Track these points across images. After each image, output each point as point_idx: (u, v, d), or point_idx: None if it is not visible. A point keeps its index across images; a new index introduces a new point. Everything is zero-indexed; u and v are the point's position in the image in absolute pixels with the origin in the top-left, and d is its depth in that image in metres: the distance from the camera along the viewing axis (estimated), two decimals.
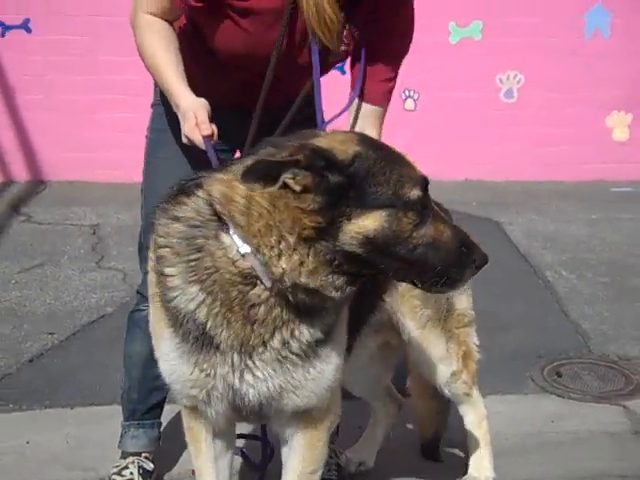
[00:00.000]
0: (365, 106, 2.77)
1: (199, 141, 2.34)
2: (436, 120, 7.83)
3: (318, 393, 2.15)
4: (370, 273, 1.99)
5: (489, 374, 3.36)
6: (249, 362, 2.05)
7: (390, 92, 2.84)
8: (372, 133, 2.63)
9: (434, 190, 2.77)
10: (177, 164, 2.66)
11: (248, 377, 2.07)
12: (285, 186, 1.85)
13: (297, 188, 1.85)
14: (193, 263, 1.99)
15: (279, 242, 1.89)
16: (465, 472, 3.07)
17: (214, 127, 2.34)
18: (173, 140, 2.64)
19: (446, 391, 2.93)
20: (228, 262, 1.96)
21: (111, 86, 7.44)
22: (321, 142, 1.94)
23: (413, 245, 1.94)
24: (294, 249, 1.88)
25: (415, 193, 1.96)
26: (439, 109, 7.82)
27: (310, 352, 2.07)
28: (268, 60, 2.48)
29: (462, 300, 2.85)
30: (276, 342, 2.03)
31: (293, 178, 1.84)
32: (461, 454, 3.27)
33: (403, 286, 2.58)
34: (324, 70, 2.58)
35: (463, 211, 5.83)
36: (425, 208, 1.99)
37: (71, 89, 7.47)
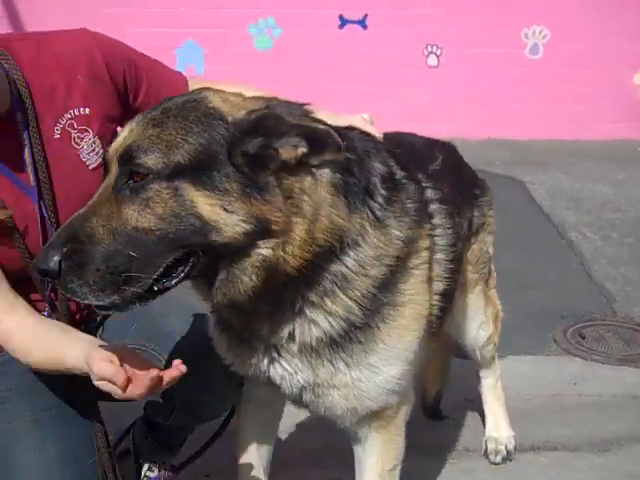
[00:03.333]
0: None
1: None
2: (459, 77, 7.68)
3: (373, 397, 1.96)
4: None
5: (511, 334, 3.31)
6: (274, 354, 1.95)
7: None
8: None
9: (458, 148, 2.69)
10: (24, 421, 2.25)
11: (278, 368, 1.96)
12: None
13: None
14: None
15: None
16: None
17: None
18: (10, 400, 2.27)
19: (478, 355, 2.88)
20: None
21: None
22: None
23: None
24: None
25: None
26: (462, 65, 7.66)
27: (339, 350, 1.90)
28: None
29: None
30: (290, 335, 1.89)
31: None
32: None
33: None
34: None
35: (486, 170, 5.71)
36: None
37: None
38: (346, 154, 1.78)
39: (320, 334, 1.86)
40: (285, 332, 1.87)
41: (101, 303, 1.66)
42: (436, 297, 2.09)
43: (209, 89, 1.81)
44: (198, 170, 1.62)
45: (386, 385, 1.95)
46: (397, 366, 1.95)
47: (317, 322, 1.85)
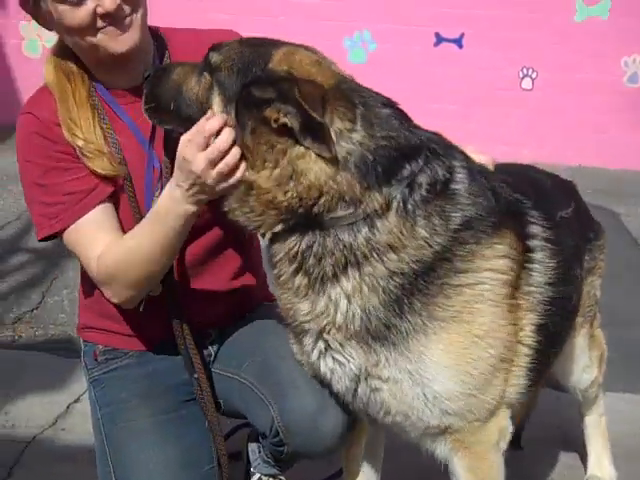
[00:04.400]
0: None
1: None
2: (553, 101, 7.55)
3: (418, 407, 1.94)
4: None
5: (610, 371, 3.18)
6: (322, 345, 1.98)
7: None
8: None
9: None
10: (145, 420, 2.32)
11: (328, 360, 1.99)
12: None
13: None
14: None
15: None
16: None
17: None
18: (130, 400, 2.35)
19: (580, 396, 2.81)
20: None
21: None
22: None
23: None
24: None
25: None
26: (557, 90, 7.53)
27: (378, 341, 1.91)
28: None
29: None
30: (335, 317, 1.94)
31: None
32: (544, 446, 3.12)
33: None
34: None
35: None
36: None
37: None
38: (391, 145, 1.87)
39: (344, 321, 1.90)
40: (318, 312, 1.92)
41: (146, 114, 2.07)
42: (529, 330, 2.04)
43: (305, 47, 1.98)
44: (226, 87, 1.90)
45: (430, 399, 1.93)
46: (443, 383, 1.91)
47: (338, 305, 1.90)
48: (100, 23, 2.10)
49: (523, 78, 7.58)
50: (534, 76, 7.56)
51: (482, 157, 2.23)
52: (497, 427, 2.06)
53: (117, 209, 2.25)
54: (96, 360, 2.44)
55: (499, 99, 7.57)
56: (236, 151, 1.85)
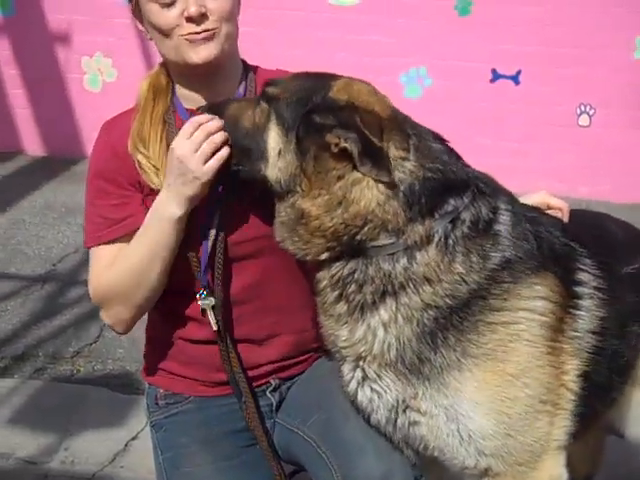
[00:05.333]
0: None
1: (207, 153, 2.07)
2: (610, 139, 7.44)
3: (452, 445, 1.93)
4: None
5: None
6: (358, 372, 2.00)
7: None
8: None
9: (604, 212, 2.55)
10: (208, 467, 2.31)
11: (366, 390, 2.00)
12: None
13: None
14: None
15: None
16: None
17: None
18: (191, 445, 2.34)
19: None
20: None
21: None
22: None
23: None
24: None
25: None
26: (615, 127, 7.42)
27: (413, 372, 1.92)
28: None
29: None
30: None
31: None
32: None
33: None
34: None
35: None
36: None
37: None
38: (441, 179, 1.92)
39: (381, 351, 1.92)
40: (356, 339, 1.95)
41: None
42: (572, 375, 2.01)
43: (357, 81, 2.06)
44: (284, 113, 1.95)
45: (465, 437, 1.91)
46: (476, 421, 1.90)
47: (376, 333, 1.92)
48: (184, 29, 2.14)
49: (580, 115, 7.49)
50: (591, 113, 7.47)
51: (555, 200, 2.33)
52: (547, 475, 2.01)
53: None
54: (157, 404, 2.44)
55: (556, 135, 7.49)
56: (222, 135, 2.01)
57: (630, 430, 2.65)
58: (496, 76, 7.46)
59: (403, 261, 1.89)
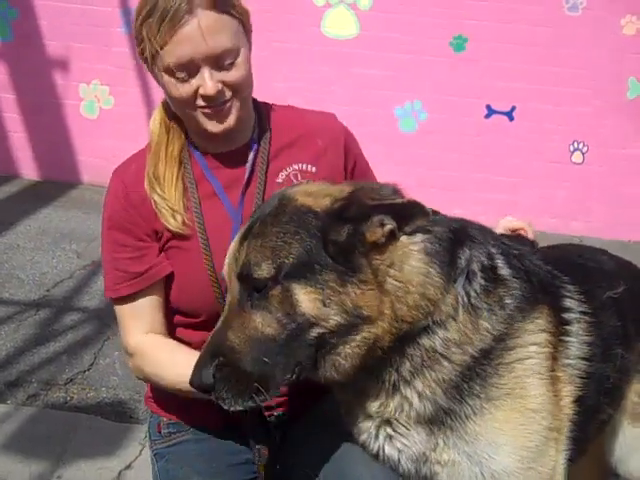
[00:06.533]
0: None
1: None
2: (604, 176, 7.52)
3: None
4: None
5: None
6: (383, 430, 1.98)
7: None
8: None
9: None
10: None
11: (388, 446, 1.99)
12: None
13: None
14: None
15: None
16: None
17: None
18: (192, 477, 2.30)
19: None
20: None
21: None
22: None
23: None
24: None
25: None
26: (608, 165, 7.51)
27: (439, 426, 1.91)
28: None
29: None
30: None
31: None
32: None
33: None
34: None
35: None
36: None
37: None
38: (447, 234, 1.87)
39: (415, 414, 1.90)
40: (389, 410, 1.92)
41: (240, 408, 1.80)
42: (567, 401, 2.04)
43: (291, 187, 1.95)
44: (301, 266, 1.74)
45: (488, 478, 1.91)
46: (500, 461, 1.90)
47: (411, 402, 1.90)
48: (200, 102, 2.13)
49: (574, 152, 7.57)
50: (585, 150, 7.55)
51: (516, 223, 2.43)
52: None
53: (188, 265, 2.25)
54: (159, 432, 2.43)
55: (549, 171, 7.57)
56: None
57: (627, 466, 2.67)
58: (490, 112, 7.54)
59: (441, 332, 1.85)
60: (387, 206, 1.77)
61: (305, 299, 1.73)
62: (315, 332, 1.75)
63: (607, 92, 7.31)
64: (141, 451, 3.67)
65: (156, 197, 2.20)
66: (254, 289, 1.78)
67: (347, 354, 1.79)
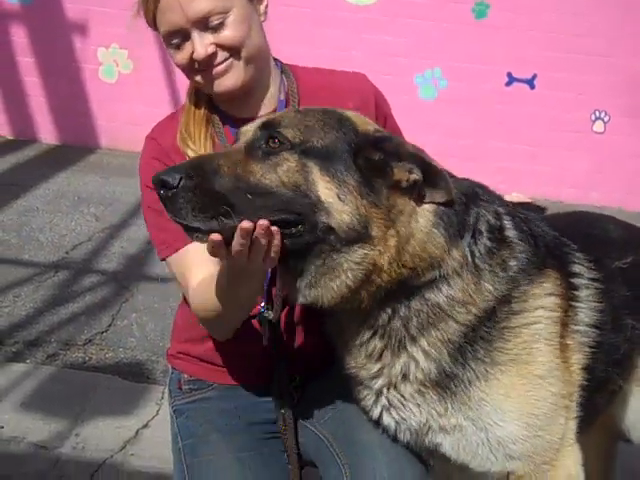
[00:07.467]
0: None
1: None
2: (625, 146, 7.45)
3: (481, 454, 1.94)
4: None
5: None
6: (382, 399, 1.99)
7: None
8: None
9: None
10: (226, 456, 2.28)
11: (388, 417, 2.00)
12: None
13: None
14: None
15: None
16: None
17: None
18: (211, 434, 2.31)
19: None
20: None
21: None
22: None
23: None
24: None
25: None
26: (630, 135, 7.43)
27: (444, 392, 1.92)
28: None
29: None
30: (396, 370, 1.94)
31: None
32: None
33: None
34: None
35: None
36: None
37: None
38: (457, 195, 1.87)
39: (422, 375, 1.90)
40: (397, 369, 1.92)
41: (198, 225, 1.69)
42: (576, 369, 2.03)
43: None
44: (326, 157, 1.77)
45: (494, 445, 1.91)
46: (506, 427, 1.90)
47: (418, 361, 1.90)
48: (197, 65, 2.16)
49: (595, 121, 7.50)
50: (606, 119, 7.48)
51: (525, 199, 2.34)
52: (565, 474, 2.03)
53: None
54: (180, 389, 2.44)
55: (569, 141, 7.51)
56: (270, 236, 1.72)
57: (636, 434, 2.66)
58: (511, 80, 7.47)
59: (445, 289, 1.86)
60: (423, 161, 1.80)
61: (322, 184, 1.75)
62: (322, 219, 1.73)
63: (631, 61, 7.22)
64: (158, 411, 3.70)
65: (189, 151, 2.21)
66: (269, 141, 1.78)
67: (343, 268, 1.77)
